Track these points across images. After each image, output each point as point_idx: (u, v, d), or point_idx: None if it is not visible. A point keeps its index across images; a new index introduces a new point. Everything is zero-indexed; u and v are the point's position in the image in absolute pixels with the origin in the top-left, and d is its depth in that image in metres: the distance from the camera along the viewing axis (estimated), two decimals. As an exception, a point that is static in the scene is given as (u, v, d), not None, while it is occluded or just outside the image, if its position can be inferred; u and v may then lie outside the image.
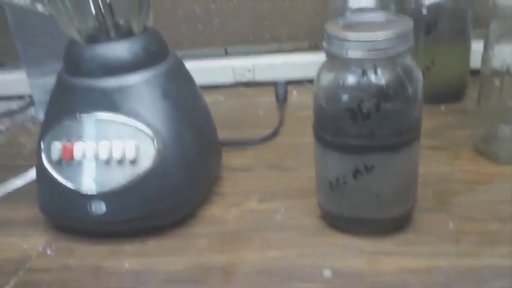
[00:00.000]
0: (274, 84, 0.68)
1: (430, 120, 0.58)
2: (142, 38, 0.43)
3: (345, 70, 0.37)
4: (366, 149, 0.38)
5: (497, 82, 0.49)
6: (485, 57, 0.50)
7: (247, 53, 0.73)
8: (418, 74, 0.38)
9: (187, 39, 0.73)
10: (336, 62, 0.37)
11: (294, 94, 0.69)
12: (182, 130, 0.44)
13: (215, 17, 0.72)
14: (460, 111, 0.60)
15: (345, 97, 0.37)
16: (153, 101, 0.43)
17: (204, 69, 0.71)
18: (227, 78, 0.71)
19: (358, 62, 0.36)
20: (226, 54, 0.74)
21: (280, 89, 0.67)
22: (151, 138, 0.42)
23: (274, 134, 0.58)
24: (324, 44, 0.37)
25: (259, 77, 0.71)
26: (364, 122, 0.37)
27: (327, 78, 0.38)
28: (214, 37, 0.73)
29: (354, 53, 0.36)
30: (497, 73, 0.49)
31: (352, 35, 0.36)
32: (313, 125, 0.40)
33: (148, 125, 0.42)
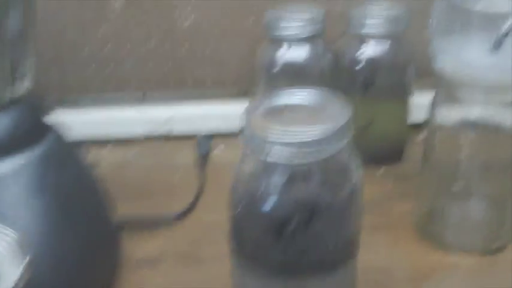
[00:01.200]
0: (195, 138, 0.60)
1: (368, 187, 0.51)
2: (8, 114, 0.34)
3: (267, 175, 0.29)
4: (294, 271, 0.30)
5: (442, 150, 0.43)
6: (431, 124, 0.44)
7: (166, 100, 0.64)
8: (358, 173, 0.31)
9: (95, 82, 0.63)
10: (256, 161, 0.30)
11: (220, 149, 0.60)
12: (62, 231, 0.34)
13: (129, 57, 0.62)
14: (401, 176, 0.54)
15: (266, 208, 0.29)
16: (24, 197, 0.33)
17: (114, 119, 0.60)
18: (140, 130, 0.62)
19: (283, 166, 0.28)
20: (143, 100, 0.65)
21: (203, 145, 0.59)
22: (19, 247, 0.32)
23: (191, 208, 0.49)
24: (241, 139, 0.29)
25: (179, 129, 0.62)
26: (291, 239, 0.29)
27: (246, 175, 0.30)
28: (128, 81, 0.63)
29: (277, 157, 0.28)
30: (443, 141, 0.43)
31: (275, 135, 0.28)
32: (229, 233, 0.32)
33: (14, 229, 0.32)
